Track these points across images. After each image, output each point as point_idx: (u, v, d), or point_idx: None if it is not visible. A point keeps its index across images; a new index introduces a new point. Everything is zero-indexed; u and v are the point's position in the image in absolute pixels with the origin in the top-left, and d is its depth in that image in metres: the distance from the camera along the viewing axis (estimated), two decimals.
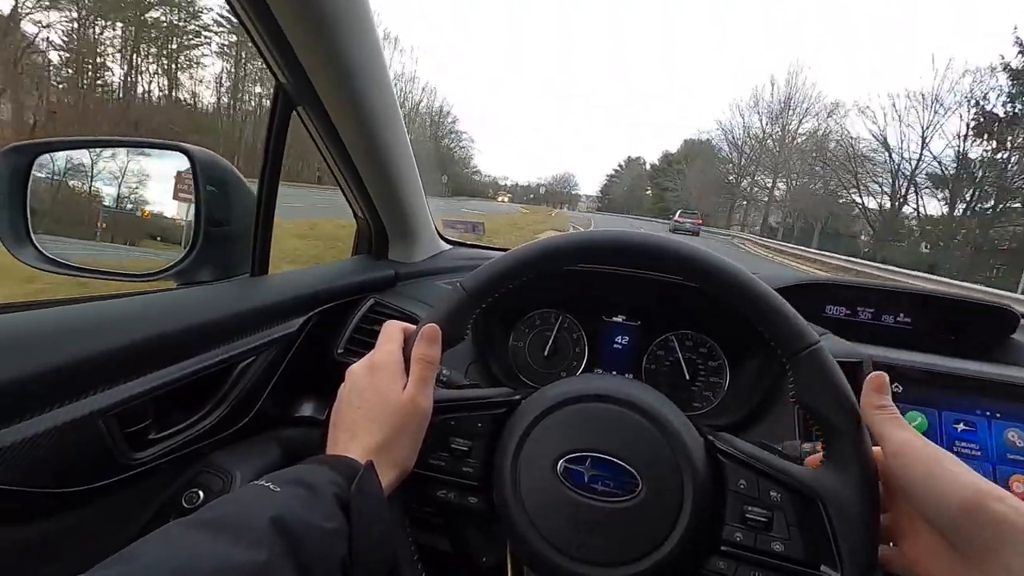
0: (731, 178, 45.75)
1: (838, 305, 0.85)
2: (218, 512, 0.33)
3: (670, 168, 58.59)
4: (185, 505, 0.59)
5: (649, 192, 69.26)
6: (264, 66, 0.66)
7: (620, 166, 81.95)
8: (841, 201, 31.61)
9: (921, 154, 25.93)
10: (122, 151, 0.75)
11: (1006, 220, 21.69)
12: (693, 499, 0.42)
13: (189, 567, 0.28)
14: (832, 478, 0.41)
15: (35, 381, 0.44)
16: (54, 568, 0.49)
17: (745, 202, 44.73)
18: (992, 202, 22.25)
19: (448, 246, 1.13)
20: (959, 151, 23.42)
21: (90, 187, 0.75)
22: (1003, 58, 21.19)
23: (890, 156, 27.60)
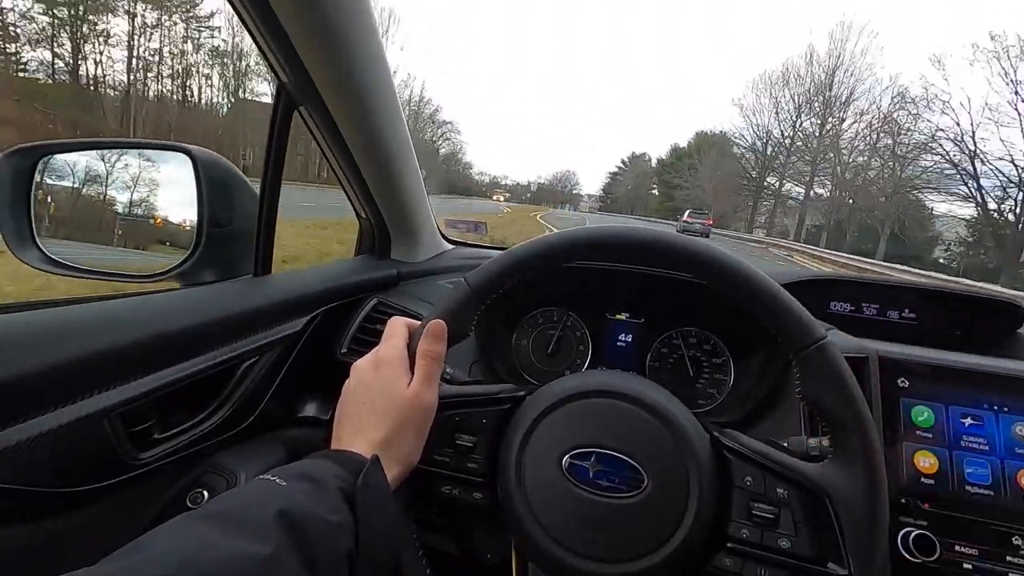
0: (754, 173, 38.04)
1: (843, 301, 0.85)
2: (225, 505, 0.33)
3: (679, 163, 51.22)
4: (190, 505, 0.59)
5: (655, 191, 63.55)
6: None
7: (623, 163, 77.27)
8: (912, 198, 24.92)
9: None
10: (131, 152, 0.75)
11: None
12: (699, 495, 0.42)
13: (197, 558, 0.28)
14: (839, 474, 0.40)
15: (40, 380, 0.44)
16: (59, 567, 0.49)
17: (772, 200, 37.16)
18: None
19: (450, 246, 1.13)
20: None
21: (104, 193, 0.76)
22: None
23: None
